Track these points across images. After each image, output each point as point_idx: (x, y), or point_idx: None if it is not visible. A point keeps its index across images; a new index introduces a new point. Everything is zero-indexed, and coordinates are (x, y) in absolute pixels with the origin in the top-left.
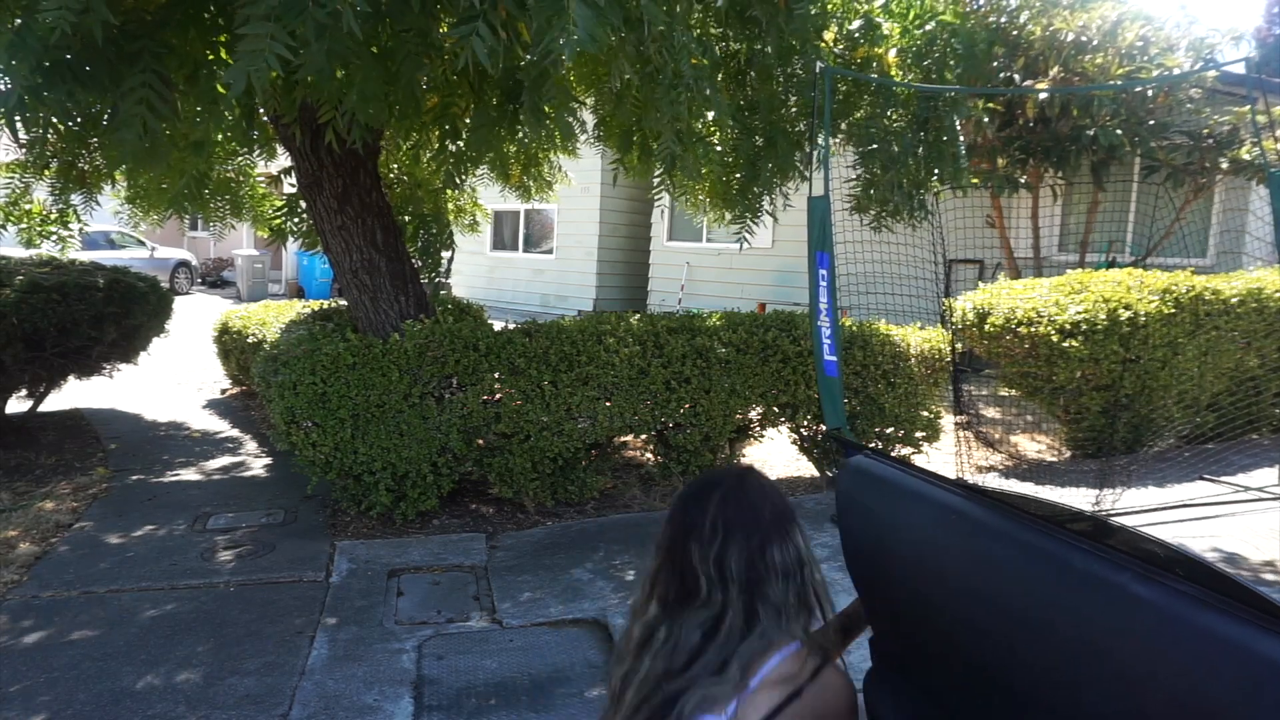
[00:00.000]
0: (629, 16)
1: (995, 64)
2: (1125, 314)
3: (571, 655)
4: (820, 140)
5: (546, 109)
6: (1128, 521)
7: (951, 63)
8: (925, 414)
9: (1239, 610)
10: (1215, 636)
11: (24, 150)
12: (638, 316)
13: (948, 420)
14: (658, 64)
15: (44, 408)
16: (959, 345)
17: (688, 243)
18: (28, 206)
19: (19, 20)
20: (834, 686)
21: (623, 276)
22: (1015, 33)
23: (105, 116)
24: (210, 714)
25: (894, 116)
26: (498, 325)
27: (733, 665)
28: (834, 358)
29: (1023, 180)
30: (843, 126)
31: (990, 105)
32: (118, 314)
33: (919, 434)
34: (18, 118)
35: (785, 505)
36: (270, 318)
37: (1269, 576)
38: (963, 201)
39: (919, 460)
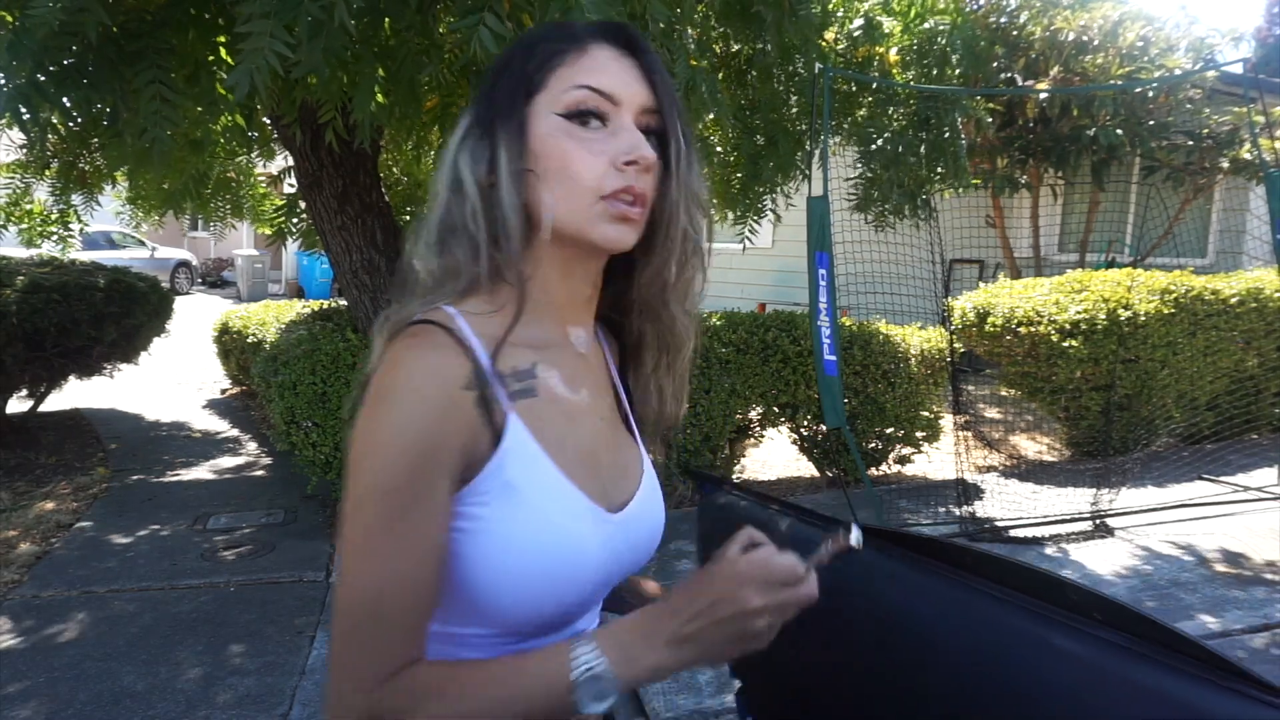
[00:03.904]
0: (633, 12)
1: (996, 64)
2: (1125, 314)
3: None
4: (820, 140)
5: None
6: (1127, 522)
7: (954, 59)
8: (925, 414)
9: (1178, 662)
10: (1153, 693)
11: (24, 150)
12: None
13: (948, 420)
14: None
15: (44, 408)
16: (959, 345)
17: None
18: (28, 206)
19: (17, 22)
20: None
21: None
22: (1015, 33)
23: (106, 116)
24: (210, 714)
25: (895, 116)
26: None
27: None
28: (834, 357)
29: (1023, 180)
30: (844, 126)
31: (991, 105)
32: (118, 314)
33: (919, 434)
34: (23, 115)
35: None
36: (270, 318)
37: (1269, 576)
38: (963, 201)
39: (920, 460)
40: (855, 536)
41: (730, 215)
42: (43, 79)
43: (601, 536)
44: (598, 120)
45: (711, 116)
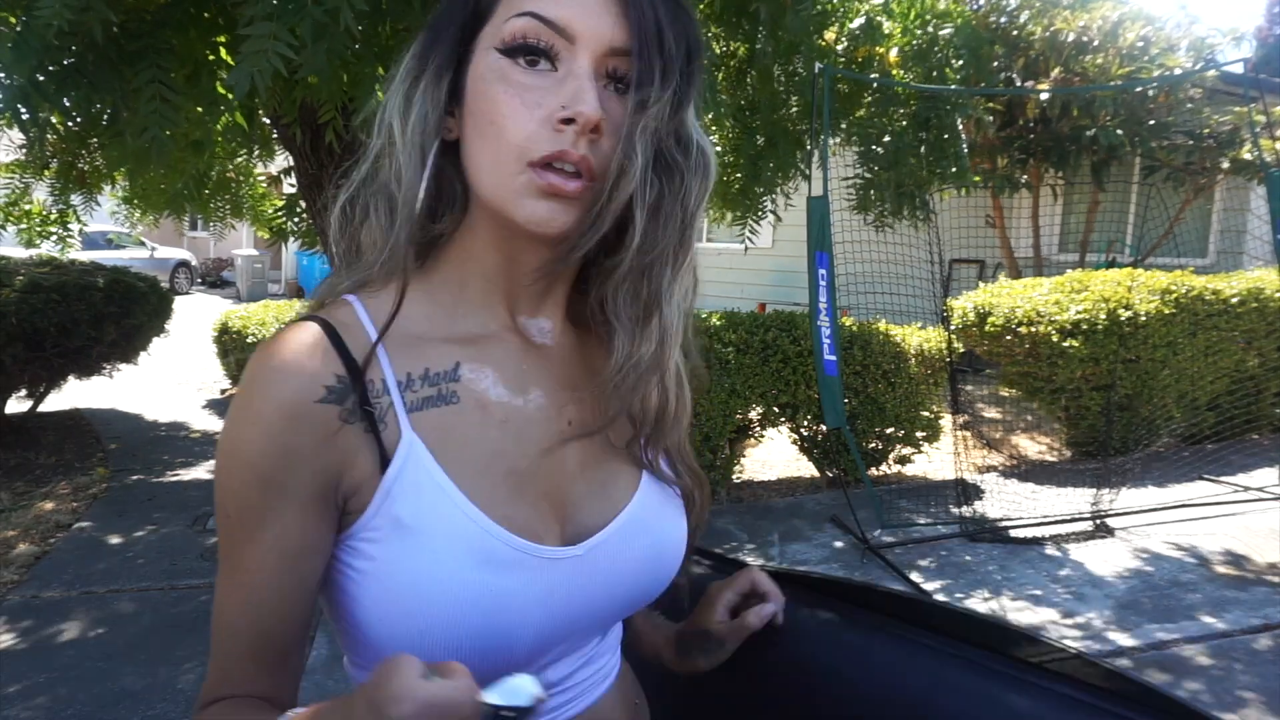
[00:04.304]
0: None
1: (995, 64)
2: (1125, 314)
3: None
4: (820, 140)
5: None
6: (1128, 522)
7: (958, 63)
8: (925, 414)
9: (1143, 715)
10: None
11: (24, 150)
12: None
13: (948, 420)
14: None
15: (44, 408)
16: (959, 345)
17: None
18: (27, 207)
19: (22, 19)
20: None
21: None
22: (1015, 33)
23: (105, 116)
24: None
25: (895, 116)
26: None
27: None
28: (834, 357)
29: (1023, 180)
30: (843, 126)
31: (991, 105)
32: (118, 314)
33: (919, 434)
34: (22, 114)
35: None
36: (270, 318)
37: (1270, 577)
38: (963, 201)
39: (920, 460)
40: (505, 697)
41: (730, 215)
42: (42, 79)
43: (539, 582)
44: (546, 60)
45: (711, 116)
